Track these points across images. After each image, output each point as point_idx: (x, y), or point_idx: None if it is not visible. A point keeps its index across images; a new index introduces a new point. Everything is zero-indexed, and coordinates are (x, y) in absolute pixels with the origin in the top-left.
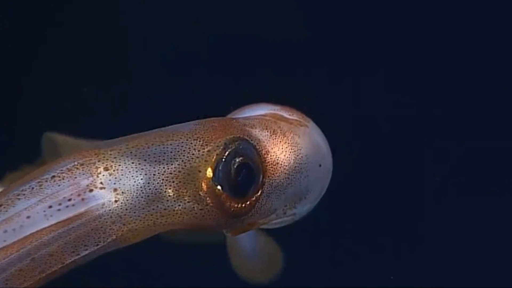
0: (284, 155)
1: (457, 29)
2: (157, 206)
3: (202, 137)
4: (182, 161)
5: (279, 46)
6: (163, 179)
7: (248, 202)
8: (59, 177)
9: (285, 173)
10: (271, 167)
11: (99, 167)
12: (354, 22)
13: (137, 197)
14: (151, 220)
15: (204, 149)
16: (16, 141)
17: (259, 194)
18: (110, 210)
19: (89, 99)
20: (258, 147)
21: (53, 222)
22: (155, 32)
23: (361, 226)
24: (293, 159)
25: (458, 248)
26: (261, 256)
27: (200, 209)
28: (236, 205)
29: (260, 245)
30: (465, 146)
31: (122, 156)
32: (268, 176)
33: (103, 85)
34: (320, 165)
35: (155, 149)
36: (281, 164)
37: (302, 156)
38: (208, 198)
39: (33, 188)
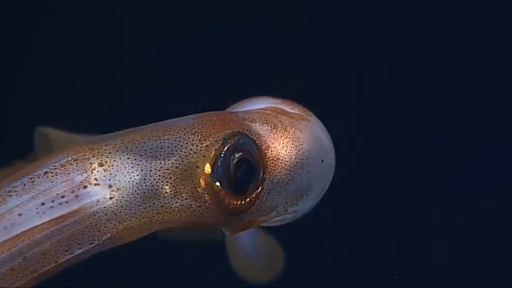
0: (285, 150)
1: (464, 20)
2: (154, 203)
3: (200, 132)
4: (180, 156)
5: (280, 37)
6: (159, 175)
7: (248, 199)
8: (52, 173)
9: (286, 169)
10: (272, 162)
11: (94, 163)
12: (357, 12)
13: (132, 194)
14: (147, 217)
15: (202, 144)
16: (8, 136)
17: (259, 190)
18: (105, 207)
19: (84, 93)
20: (258, 142)
21: (45, 219)
22: (151, 23)
23: (365, 224)
24: (295, 155)
25: (465, 247)
26: (261, 255)
27: (198, 206)
28: (235, 202)
29: (260, 244)
30: (473, 141)
31: (117, 151)
32: (269, 172)
33: (98, 78)
34: (322, 161)
35: (152, 144)
36: (282, 160)
37: (303, 152)
38: (206, 195)
39: (25, 184)
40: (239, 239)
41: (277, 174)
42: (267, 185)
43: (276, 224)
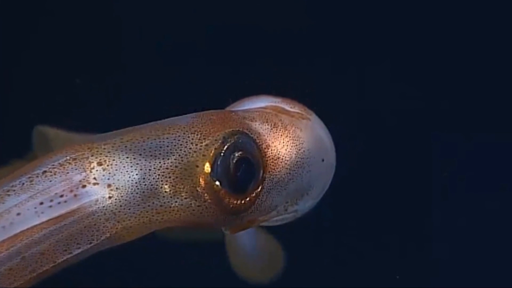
0: (286, 149)
1: (465, 19)
2: (153, 203)
3: (200, 131)
4: (179, 155)
5: (280, 35)
6: (159, 175)
7: (247, 199)
8: (51, 172)
9: (287, 168)
10: (272, 161)
11: (93, 162)
12: (358, 10)
13: (132, 193)
14: (147, 217)
15: (202, 143)
16: (6, 135)
17: (259, 190)
18: (103, 206)
19: (82, 91)
20: (258, 141)
21: (44, 219)
22: (151, 21)
23: (366, 223)
24: (295, 154)
25: (467, 246)
26: (261, 255)
27: (198, 206)
28: (235, 202)
29: (260, 244)
30: (474, 140)
31: (116, 150)
32: (269, 171)
33: (96, 76)
34: (323, 160)
35: (151, 143)
36: (282, 159)
37: (304, 151)
38: (206, 194)
39: (23, 183)
40: (239, 239)
41: (277, 173)
42: (267, 184)
43: (276, 224)
